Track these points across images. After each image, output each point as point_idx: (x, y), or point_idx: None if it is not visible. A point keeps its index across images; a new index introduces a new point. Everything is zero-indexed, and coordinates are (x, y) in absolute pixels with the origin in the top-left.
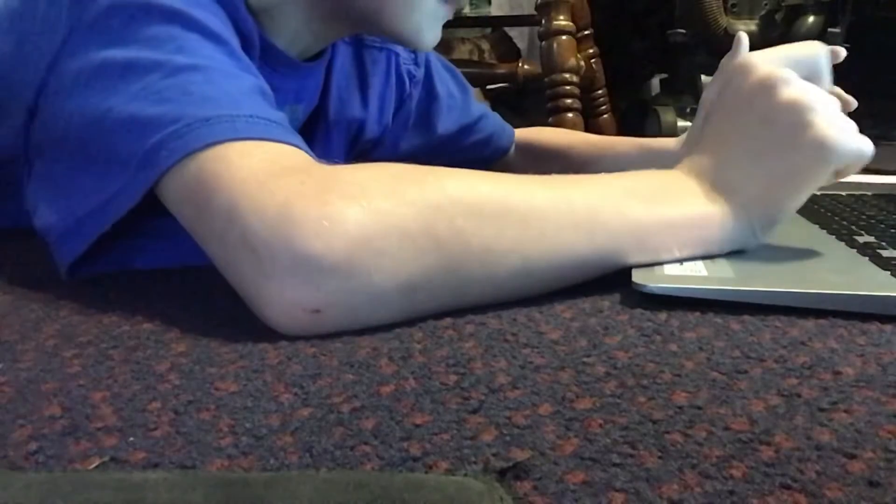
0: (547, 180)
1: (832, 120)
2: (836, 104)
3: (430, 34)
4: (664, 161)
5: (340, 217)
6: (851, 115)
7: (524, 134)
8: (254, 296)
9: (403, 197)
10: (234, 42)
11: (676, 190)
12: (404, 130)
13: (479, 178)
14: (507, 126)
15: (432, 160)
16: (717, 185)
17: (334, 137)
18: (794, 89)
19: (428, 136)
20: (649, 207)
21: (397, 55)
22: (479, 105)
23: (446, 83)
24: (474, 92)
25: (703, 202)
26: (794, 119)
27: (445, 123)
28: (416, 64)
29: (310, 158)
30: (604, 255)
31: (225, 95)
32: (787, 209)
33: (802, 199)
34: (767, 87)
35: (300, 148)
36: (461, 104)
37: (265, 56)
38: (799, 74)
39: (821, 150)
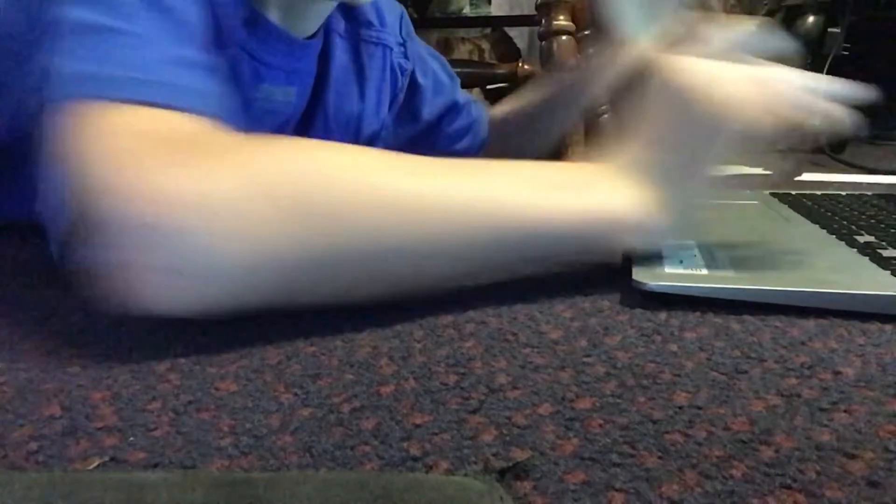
0: (445, 166)
1: (718, 91)
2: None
3: None
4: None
5: (204, 181)
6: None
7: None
8: (109, 269)
9: (275, 167)
10: (193, 11)
11: (593, 180)
12: (394, 123)
13: (358, 155)
14: (483, 111)
15: (419, 147)
16: (636, 174)
17: (334, 130)
18: (685, 69)
19: (414, 125)
20: (560, 197)
21: (391, 49)
22: (467, 95)
23: (432, 71)
24: (474, 92)
25: (619, 194)
26: (685, 96)
27: (430, 109)
28: (406, 57)
29: (209, 128)
30: (494, 248)
31: (143, 60)
32: (693, 185)
33: (705, 172)
34: (666, 76)
35: (206, 115)
36: (449, 90)
37: (254, 27)
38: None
39: (705, 121)
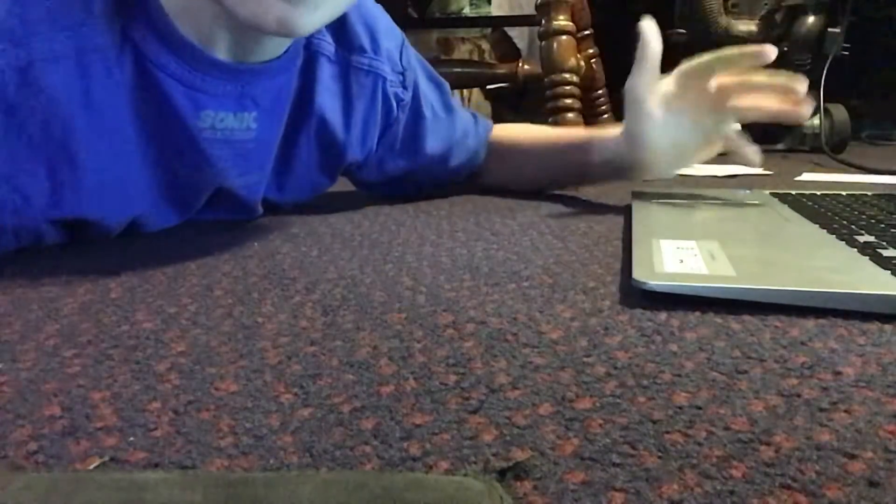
0: None
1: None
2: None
3: (264, 12)
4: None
5: None
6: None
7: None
8: None
9: None
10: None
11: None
12: (390, 153)
13: None
14: (485, 134)
15: (418, 178)
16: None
17: (315, 157)
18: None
19: (414, 159)
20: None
21: (385, 79)
22: (462, 120)
23: (432, 104)
24: (474, 92)
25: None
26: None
27: (432, 145)
28: (405, 87)
29: None
30: None
31: None
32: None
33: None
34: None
35: None
36: (447, 125)
37: (178, 51)
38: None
39: None
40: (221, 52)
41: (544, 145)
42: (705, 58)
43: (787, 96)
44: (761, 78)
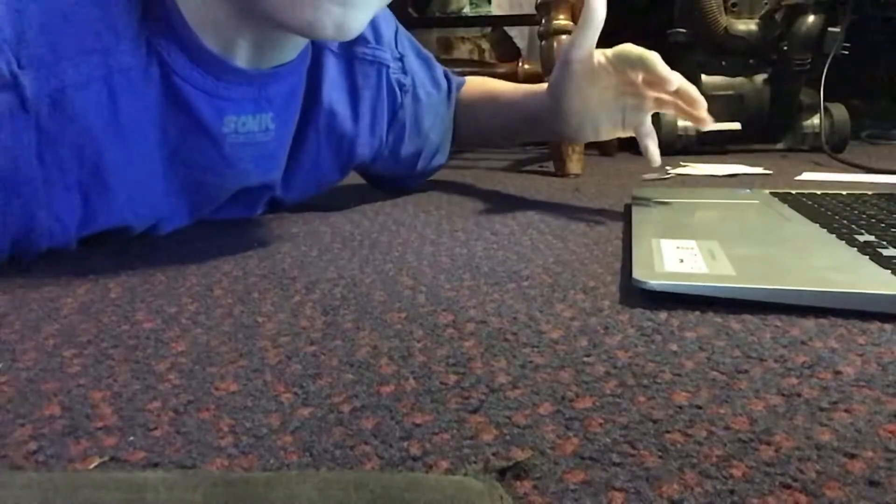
0: None
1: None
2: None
3: (323, 18)
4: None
5: None
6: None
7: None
8: None
9: None
10: None
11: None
12: (402, 140)
13: None
14: (454, 103)
15: (417, 159)
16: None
17: (325, 152)
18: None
19: (421, 139)
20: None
21: (387, 67)
22: (443, 86)
23: (425, 84)
24: None
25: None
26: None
27: (428, 121)
28: (404, 72)
29: None
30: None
31: None
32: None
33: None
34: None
35: None
36: (437, 100)
37: (201, 62)
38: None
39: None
40: (242, 60)
41: (496, 101)
42: (644, 53)
43: (693, 105)
44: (683, 82)
